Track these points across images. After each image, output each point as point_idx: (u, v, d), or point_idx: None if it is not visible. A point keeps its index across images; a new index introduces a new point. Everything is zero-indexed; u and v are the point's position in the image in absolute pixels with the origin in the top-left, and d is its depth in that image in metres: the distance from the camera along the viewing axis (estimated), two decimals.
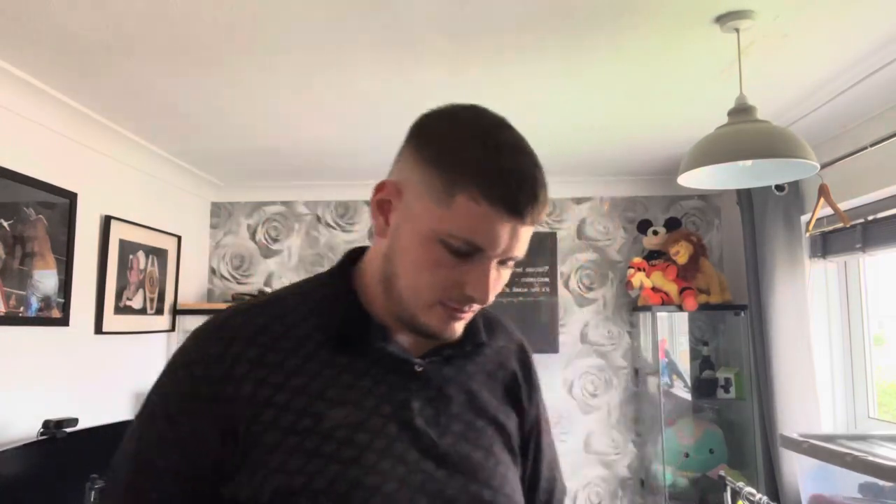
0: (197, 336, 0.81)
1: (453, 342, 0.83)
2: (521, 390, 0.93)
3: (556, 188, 3.77)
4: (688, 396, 3.44)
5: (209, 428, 0.74)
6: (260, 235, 3.86)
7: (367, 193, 3.81)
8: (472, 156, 0.73)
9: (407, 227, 0.77)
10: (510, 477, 0.86)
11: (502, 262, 0.78)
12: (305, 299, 0.84)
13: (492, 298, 0.77)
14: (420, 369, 0.82)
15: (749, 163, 1.84)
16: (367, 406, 0.77)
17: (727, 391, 3.32)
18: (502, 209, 0.72)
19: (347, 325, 0.81)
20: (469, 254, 0.74)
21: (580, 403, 3.68)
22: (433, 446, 0.79)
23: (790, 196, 2.87)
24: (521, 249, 0.76)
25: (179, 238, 3.44)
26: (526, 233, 0.76)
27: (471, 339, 0.87)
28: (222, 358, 0.76)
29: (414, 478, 0.76)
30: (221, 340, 0.78)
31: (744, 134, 1.74)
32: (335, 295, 0.84)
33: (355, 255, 0.88)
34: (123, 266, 2.94)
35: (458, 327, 0.81)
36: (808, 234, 2.88)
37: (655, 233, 3.59)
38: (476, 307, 0.80)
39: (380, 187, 0.80)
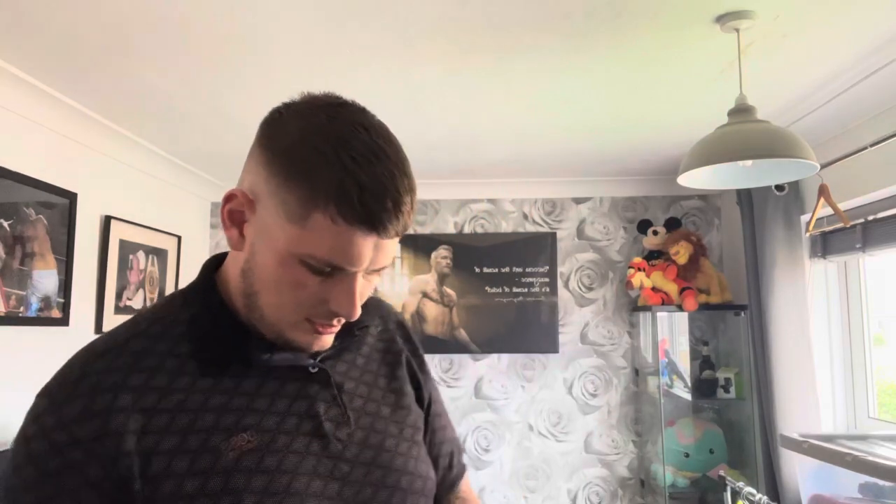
0: (48, 395, 0.69)
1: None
2: (413, 364, 0.93)
3: (556, 188, 3.77)
4: (688, 396, 3.44)
5: (93, 497, 0.64)
6: None
7: None
8: (326, 171, 0.66)
9: (263, 245, 0.71)
10: (421, 454, 0.86)
11: (369, 273, 0.74)
12: (169, 326, 0.75)
13: (358, 312, 0.73)
14: (315, 370, 0.79)
15: (749, 163, 1.84)
16: (268, 426, 0.73)
17: (727, 391, 3.32)
18: (362, 227, 0.67)
19: (224, 345, 0.74)
20: (331, 273, 0.70)
21: (580, 403, 3.68)
22: (345, 449, 0.77)
23: (790, 196, 2.87)
24: (387, 260, 0.73)
25: (179, 238, 3.44)
26: (391, 244, 0.72)
27: (354, 325, 0.84)
28: (89, 414, 0.66)
29: (331, 488, 0.73)
30: (82, 396, 0.68)
31: (744, 134, 1.74)
32: (203, 314, 0.76)
33: (215, 265, 0.82)
34: (123, 266, 2.94)
35: (328, 340, 0.77)
36: (808, 234, 2.88)
37: (655, 233, 3.59)
38: (343, 320, 0.76)
39: (229, 196, 0.74)
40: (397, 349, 0.92)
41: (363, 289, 0.74)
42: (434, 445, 0.94)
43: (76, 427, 0.66)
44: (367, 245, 0.68)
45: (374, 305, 0.94)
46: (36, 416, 0.68)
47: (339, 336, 0.81)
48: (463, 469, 1.01)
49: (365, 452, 0.78)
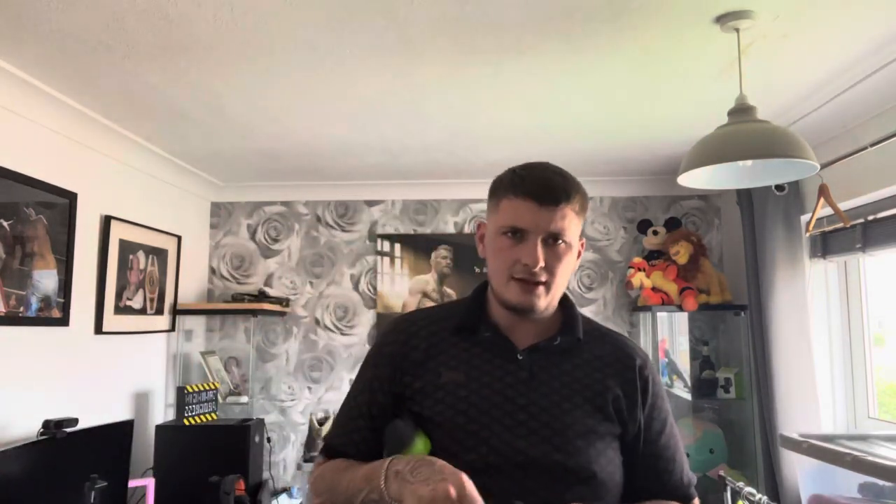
0: (392, 324, 1.22)
1: (549, 337, 1.13)
2: (622, 402, 1.13)
3: None
4: (688, 396, 3.44)
5: (389, 371, 1.16)
6: (260, 235, 3.86)
7: (366, 193, 3.81)
8: (507, 176, 1.12)
9: (486, 240, 1.16)
10: (590, 451, 1.06)
11: (548, 242, 1.06)
12: (452, 308, 1.20)
13: (540, 262, 1.05)
14: (521, 357, 1.11)
15: (749, 163, 1.84)
16: (473, 374, 1.11)
17: (727, 391, 3.32)
18: (528, 198, 1.06)
19: (466, 321, 1.15)
20: (518, 235, 1.07)
21: None
22: (522, 407, 1.07)
23: (790, 196, 2.87)
24: (556, 227, 1.05)
25: (179, 238, 3.44)
26: (557, 215, 1.05)
27: (566, 334, 1.14)
28: (401, 341, 1.17)
29: (506, 421, 1.06)
30: (401, 332, 1.18)
31: (744, 134, 1.74)
32: (467, 304, 1.19)
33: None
34: (123, 266, 2.94)
35: (534, 299, 1.08)
36: (808, 234, 2.88)
37: (655, 233, 3.59)
38: (544, 278, 1.07)
39: (478, 225, 1.20)
40: (618, 376, 1.14)
41: (547, 255, 1.06)
42: (647, 468, 1.14)
43: (396, 344, 1.17)
44: (533, 210, 1.06)
45: (615, 340, 1.21)
46: (383, 333, 1.22)
47: (548, 340, 1.13)
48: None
49: (533, 421, 1.06)
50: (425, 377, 1.12)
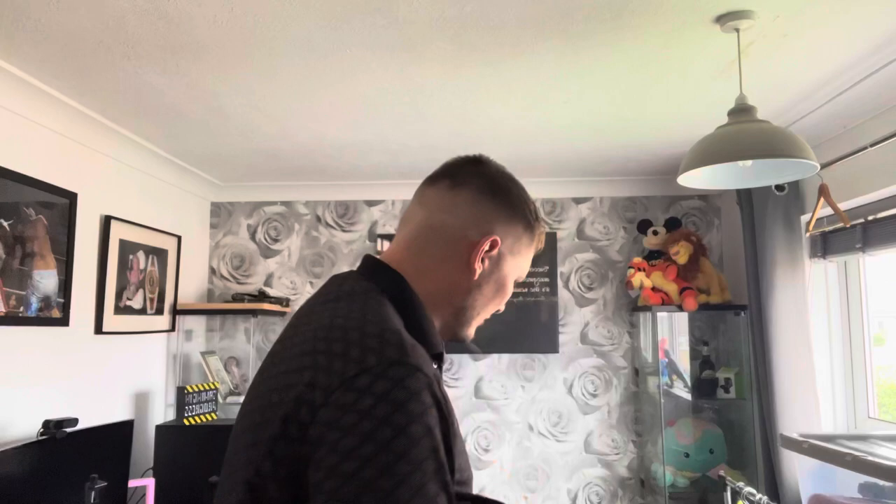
0: (412, 356, 0.75)
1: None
2: None
3: (556, 188, 3.77)
4: (688, 396, 3.44)
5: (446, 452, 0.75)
6: (260, 235, 3.86)
7: (367, 193, 3.81)
8: (538, 222, 1.01)
9: (492, 267, 0.96)
10: None
11: None
12: (413, 331, 0.85)
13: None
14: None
15: (749, 163, 1.84)
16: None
17: (727, 391, 3.32)
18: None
19: (439, 348, 0.89)
20: None
21: (580, 403, 3.68)
22: None
23: (790, 196, 2.87)
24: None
25: (179, 238, 3.44)
26: None
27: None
28: (440, 398, 0.75)
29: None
30: (433, 378, 0.75)
31: (744, 134, 1.74)
32: (427, 327, 0.88)
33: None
34: (123, 266, 2.94)
35: None
36: (808, 234, 2.88)
37: (655, 233, 3.59)
38: None
39: (492, 244, 0.94)
40: None
41: None
42: None
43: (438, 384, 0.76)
44: None
45: None
46: (415, 373, 0.72)
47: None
48: None
49: None
50: (458, 441, 0.80)
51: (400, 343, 0.73)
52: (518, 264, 0.94)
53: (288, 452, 0.69)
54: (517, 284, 3.72)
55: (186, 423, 3.07)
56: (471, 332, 0.94)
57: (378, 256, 0.92)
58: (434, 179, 0.95)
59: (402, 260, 0.90)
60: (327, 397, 0.69)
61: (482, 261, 0.91)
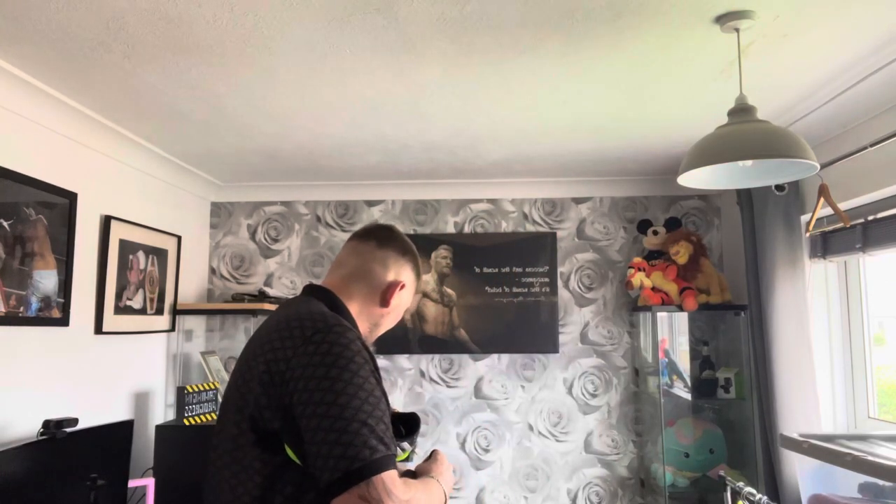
0: (341, 325, 1.16)
1: None
2: None
3: (556, 188, 3.77)
4: (688, 396, 3.44)
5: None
6: (260, 235, 3.86)
7: (367, 193, 3.81)
8: (416, 259, 1.44)
9: (396, 301, 1.39)
10: None
11: None
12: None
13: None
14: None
15: (749, 163, 1.84)
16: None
17: (727, 391, 3.32)
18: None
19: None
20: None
21: (580, 403, 3.68)
22: None
23: (790, 196, 2.87)
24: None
25: (179, 238, 3.44)
26: None
27: None
28: (364, 343, 1.19)
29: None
30: (357, 334, 1.19)
31: (744, 134, 1.74)
32: (351, 323, 1.35)
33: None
34: (123, 266, 2.94)
35: None
36: (808, 234, 2.89)
37: (655, 233, 3.59)
38: None
39: (401, 286, 1.39)
40: None
41: None
42: None
43: (361, 343, 1.17)
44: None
45: None
46: (347, 332, 1.15)
47: None
48: None
49: None
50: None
51: (336, 318, 1.17)
52: (409, 299, 1.38)
53: (271, 390, 1.09)
54: (517, 284, 3.73)
55: (186, 423, 3.07)
56: (373, 339, 1.38)
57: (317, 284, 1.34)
58: (363, 238, 1.36)
59: (338, 287, 1.31)
60: (295, 350, 1.10)
61: (393, 297, 1.33)
